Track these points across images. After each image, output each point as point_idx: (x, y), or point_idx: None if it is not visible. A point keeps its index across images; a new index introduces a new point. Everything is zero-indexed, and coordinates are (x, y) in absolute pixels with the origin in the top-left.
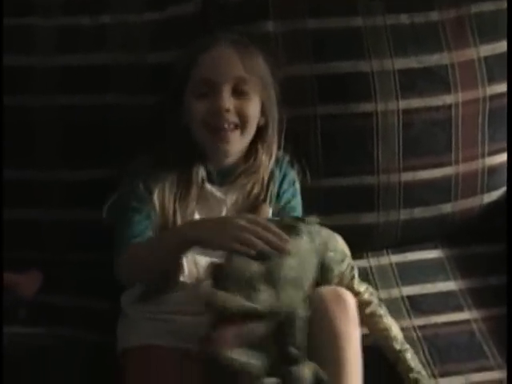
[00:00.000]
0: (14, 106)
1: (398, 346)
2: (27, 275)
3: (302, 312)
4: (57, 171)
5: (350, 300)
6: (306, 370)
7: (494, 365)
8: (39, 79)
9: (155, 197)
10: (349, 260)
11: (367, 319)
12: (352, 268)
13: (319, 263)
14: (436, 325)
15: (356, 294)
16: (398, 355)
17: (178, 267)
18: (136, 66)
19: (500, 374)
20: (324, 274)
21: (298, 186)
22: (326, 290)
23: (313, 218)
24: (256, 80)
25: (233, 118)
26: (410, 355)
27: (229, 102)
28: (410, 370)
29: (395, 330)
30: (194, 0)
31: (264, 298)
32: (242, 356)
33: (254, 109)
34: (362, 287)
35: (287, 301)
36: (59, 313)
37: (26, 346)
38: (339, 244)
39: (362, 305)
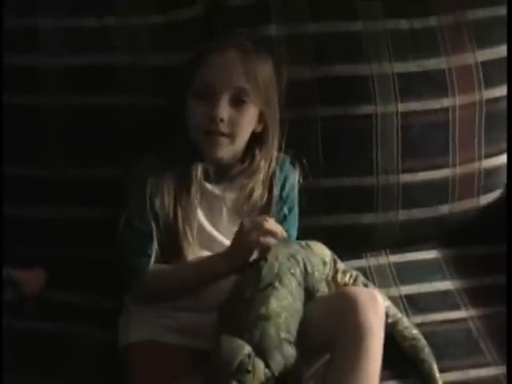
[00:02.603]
0: (22, 105)
1: (390, 320)
2: (32, 272)
3: (296, 362)
4: (64, 169)
5: (380, 300)
6: None
7: (490, 361)
8: (46, 79)
9: (158, 204)
10: (328, 259)
11: None
12: (335, 263)
13: (305, 291)
14: (433, 323)
15: (344, 285)
16: (393, 328)
17: None
18: (140, 68)
19: (497, 370)
20: (311, 294)
21: (296, 191)
22: (359, 288)
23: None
24: (257, 89)
25: (225, 128)
26: (403, 324)
27: (225, 111)
28: (405, 338)
29: (386, 303)
30: (198, 4)
31: (256, 373)
32: None
33: (248, 119)
34: (346, 278)
35: (280, 363)
36: (64, 309)
37: (32, 341)
38: (316, 256)
39: None
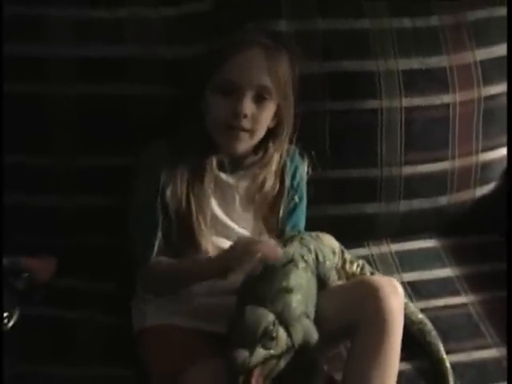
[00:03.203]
0: (34, 95)
1: None
2: (43, 260)
3: (314, 335)
4: (74, 158)
5: (399, 287)
6: None
7: (491, 343)
8: (58, 69)
9: (169, 192)
10: (337, 249)
11: None
12: (342, 253)
13: (317, 279)
14: (436, 308)
15: (352, 274)
16: None
17: None
18: (151, 59)
19: (497, 352)
20: (323, 283)
21: (305, 182)
22: (379, 277)
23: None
24: (278, 87)
25: (247, 123)
26: (410, 309)
27: (248, 107)
28: (413, 323)
29: None
30: None
31: (279, 341)
32: None
33: (268, 115)
34: (353, 267)
35: (300, 334)
36: (73, 295)
37: (39, 327)
38: (326, 247)
39: None
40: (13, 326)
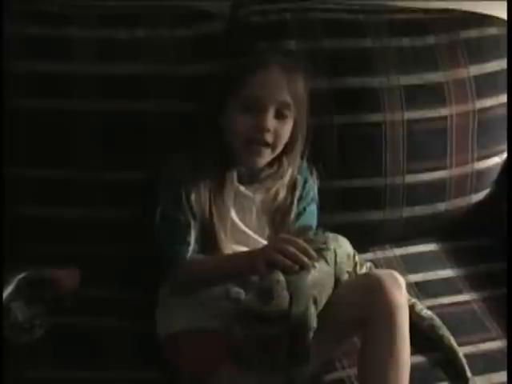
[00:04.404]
0: (58, 111)
1: (408, 302)
2: (68, 271)
3: (313, 322)
4: (94, 172)
5: (402, 281)
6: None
7: (495, 336)
8: (80, 85)
9: (193, 200)
10: (351, 254)
11: None
12: (354, 256)
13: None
14: (442, 305)
15: None
16: (411, 310)
17: None
18: (167, 77)
19: (502, 343)
20: (335, 285)
21: (315, 190)
22: (383, 271)
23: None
24: (297, 103)
25: (270, 138)
26: (419, 307)
27: (271, 123)
28: (423, 319)
29: None
30: (221, 19)
31: (278, 302)
32: None
33: (287, 130)
34: (363, 269)
35: (300, 310)
36: (99, 304)
37: (65, 335)
38: (343, 249)
39: None
40: (43, 334)
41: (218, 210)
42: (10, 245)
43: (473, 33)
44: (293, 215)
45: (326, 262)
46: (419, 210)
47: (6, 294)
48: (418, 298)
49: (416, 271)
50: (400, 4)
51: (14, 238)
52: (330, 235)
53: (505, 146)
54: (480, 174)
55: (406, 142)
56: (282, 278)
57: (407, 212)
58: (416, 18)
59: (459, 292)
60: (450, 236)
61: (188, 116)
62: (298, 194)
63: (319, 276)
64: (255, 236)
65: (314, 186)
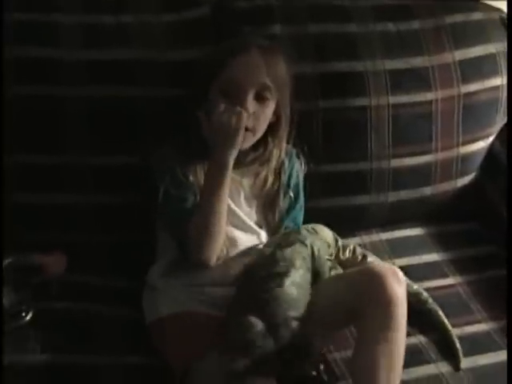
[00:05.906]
0: (46, 96)
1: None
2: (54, 256)
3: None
4: (83, 157)
5: (401, 275)
6: None
7: (481, 318)
8: (68, 71)
9: (192, 180)
10: (331, 241)
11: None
12: (336, 242)
13: (312, 273)
14: (428, 289)
15: (345, 260)
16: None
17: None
18: (155, 62)
19: (486, 326)
20: (316, 276)
21: (301, 181)
22: (382, 265)
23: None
24: (277, 86)
25: (250, 121)
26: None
27: (251, 106)
28: (409, 294)
29: None
30: (206, 4)
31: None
32: None
33: (269, 113)
34: (346, 252)
35: (286, 339)
36: (86, 290)
37: (53, 321)
38: (322, 241)
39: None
40: (30, 319)
41: None
42: None
43: (458, 17)
44: (281, 201)
45: (299, 268)
46: (405, 195)
47: None
48: None
49: (402, 255)
50: None
51: (3, 224)
52: (309, 228)
53: (490, 130)
54: (465, 158)
55: (392, 126)
56: (260, 325)
57: (393, 196)
58: (401, 2)
59: (445, 276)
60: (436, 220)
61: (176, 101)
62: (284, 179)
63: (294, 290)
64: (247, 219)
65: (300, 170)
